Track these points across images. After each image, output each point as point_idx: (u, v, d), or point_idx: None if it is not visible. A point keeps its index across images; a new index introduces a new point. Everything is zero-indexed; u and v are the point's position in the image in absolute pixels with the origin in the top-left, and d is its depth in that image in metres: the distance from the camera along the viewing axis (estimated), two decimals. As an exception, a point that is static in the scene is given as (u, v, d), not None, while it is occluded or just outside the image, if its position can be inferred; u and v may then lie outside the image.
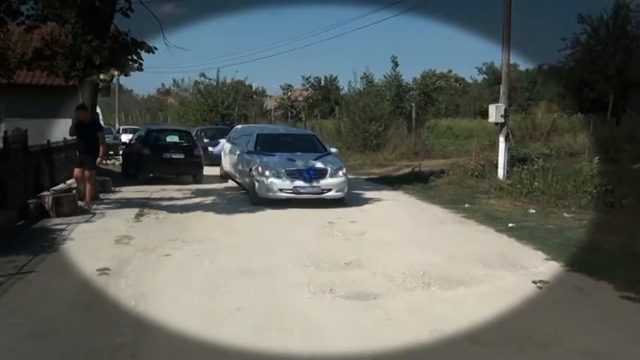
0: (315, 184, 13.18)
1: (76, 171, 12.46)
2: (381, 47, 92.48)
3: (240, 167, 15.52)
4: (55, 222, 10.58)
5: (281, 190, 13.13)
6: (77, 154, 12.70)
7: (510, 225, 10.97)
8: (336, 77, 51.72)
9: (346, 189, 13.60)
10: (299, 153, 14.05)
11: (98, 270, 7.42)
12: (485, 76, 64.75)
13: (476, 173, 16.31)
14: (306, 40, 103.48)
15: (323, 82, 50.82)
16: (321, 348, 5.15)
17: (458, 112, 52.48)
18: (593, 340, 5.47)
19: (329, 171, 13.37)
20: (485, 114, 31.70)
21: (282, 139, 15.56)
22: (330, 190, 13.28)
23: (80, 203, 11.89)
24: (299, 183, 13.14)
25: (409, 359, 5.05)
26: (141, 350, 5.00)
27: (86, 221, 10.80)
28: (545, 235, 10.10)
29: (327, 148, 15.20)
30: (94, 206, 12.28)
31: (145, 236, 9.70)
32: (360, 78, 31.36)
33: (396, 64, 30.93)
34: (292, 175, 13.20)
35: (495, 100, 32.14)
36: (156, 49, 12.09)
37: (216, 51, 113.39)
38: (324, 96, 49.07)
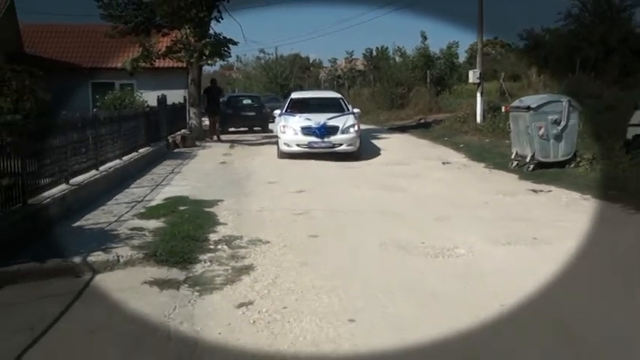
0: (326, 139, 14.86)
1: (210, 118, 20.74)
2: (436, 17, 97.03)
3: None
4: (184, 150, 17.87)
5: (298, 145, 14.99)
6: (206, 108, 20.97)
7: (461, 145, 17.59)
8: (387, 48, 57.89)
9: (358, 143, 15.31)
10: (321, 113, 15.46)
11: (219, 162, 14.72)
12: (527, 42, 69.54)
13: (462, 120, 22.82)
14: (356, 19, 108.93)
15: (374, 53, 57.16)
16: (312, 171, 12.16)
17: (495, 77, 57.76)
18: (447, 175, 12.29)
19: (340, 128, 15.04)
20: (516, 78, 37.63)
21: (312, 102, 17.09)
22: (341, 144, 14.96)
23: (197, 143, 19.19)
24: (312, 139, 14.88)
25: (356, 176, 11.93)
26: (251, 178, 12.13)
27: (202, 149, 18.15)
28: (477, 149, 16.61)
29: (350, 109, 16.58)
30: (202, 143, 19.53)
31: (238, 154, 16.93)
32: (394, 51, 37.78)
33: (424, 38, 37.12)
34: (307, 131, 14.94)
35: (533, 65, 37.53)
36: (238, 42, 19.28)
37: (276, 30, 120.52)
38: (375, 65, 55.45)
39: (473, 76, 22.33)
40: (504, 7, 71.68)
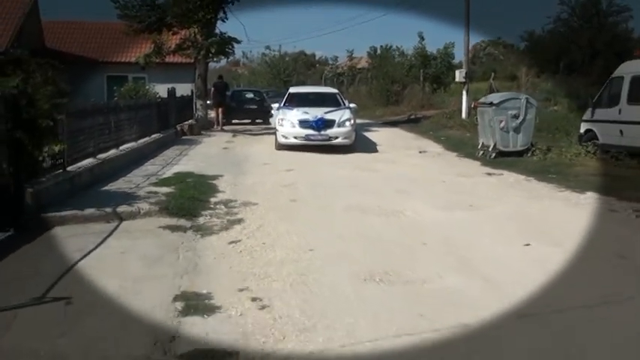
0: (323, 132, 15.38)
1: (215, 109, 22.70)
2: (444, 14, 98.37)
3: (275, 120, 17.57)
4: (191, 137, 19.69)
5: (295, 137, 15.54)
6: (213, 100, 23.22)
7: (442, 138, 19.36)
8: (391, 46, 59.51)
9: (353, 136, 15.91)
10: (317, 107, 16.02)
11: (222, 148, 16.57)
12: (527, 43, 71.26)
13: (448, 116, 24.60)
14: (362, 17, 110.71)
15: (379, 51, 58.93)
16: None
17: (494, 77, 59.58)
18: (420, 161, 14.09)
19: (337, 121, 15.56)
20: (513, 78, 39.29)
21: (309, 97, 17.65)
22: (337, 137, 15.51)
23: (202, 132, 21.03)
24: (310, 132, 15.40)
25: (340, 160, 13.72)
26: (249, 161, 13.94)
27: (207, 137, 20.00)
28: (455, 141, 18.36)
29: (347, 104, 17.27)
30: (207, 132, 21.38)
31: (240, 142, 18.78)
32: (393, 50, 39.57)
33: (422, 38, 38.90)
34: (304, 124, 15.48)
35: (533, 66, 39.36)
36: (241, 41, 21.13)
37: (282, 29, 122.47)
38: (380, 63, 57.21)
39: (459, 75, 24.13)
40: (513, 10, 73.22)
